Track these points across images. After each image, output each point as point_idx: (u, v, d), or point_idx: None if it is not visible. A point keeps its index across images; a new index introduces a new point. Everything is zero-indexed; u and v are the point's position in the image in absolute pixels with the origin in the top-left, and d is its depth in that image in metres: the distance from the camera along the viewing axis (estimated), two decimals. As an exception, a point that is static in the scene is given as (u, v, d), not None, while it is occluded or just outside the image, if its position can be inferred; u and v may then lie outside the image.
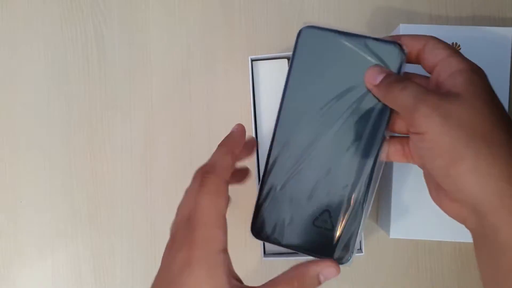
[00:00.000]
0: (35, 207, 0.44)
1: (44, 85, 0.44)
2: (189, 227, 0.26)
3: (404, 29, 0.36)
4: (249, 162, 0.43)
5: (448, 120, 0.24)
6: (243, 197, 0.43)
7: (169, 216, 0.43)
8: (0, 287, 0.44)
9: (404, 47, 0.28)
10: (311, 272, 0.26)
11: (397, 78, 0.27)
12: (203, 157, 0.43)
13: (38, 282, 0.44)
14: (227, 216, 0.27)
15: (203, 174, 0.27)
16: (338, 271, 0.27)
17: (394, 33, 0.39)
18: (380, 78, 0.27)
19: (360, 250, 0.38)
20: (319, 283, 0.27)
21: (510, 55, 0.36)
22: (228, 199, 0.28)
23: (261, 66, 0.39)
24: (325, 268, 0.27)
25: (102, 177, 0.43)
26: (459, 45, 0.36)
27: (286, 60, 0.39)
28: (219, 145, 0.31)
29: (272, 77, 0.39)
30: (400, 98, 0.26)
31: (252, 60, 0.39)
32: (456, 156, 0.23)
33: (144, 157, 0.43)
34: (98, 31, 0.43)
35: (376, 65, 0.28)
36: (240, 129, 0.31)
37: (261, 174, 0.32)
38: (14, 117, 0.44)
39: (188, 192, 0.28)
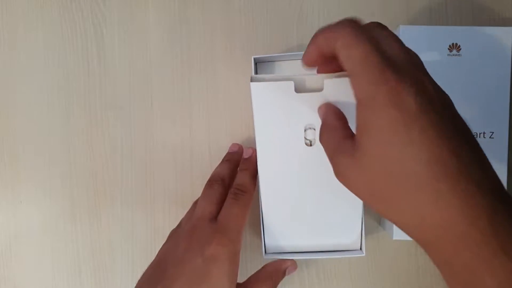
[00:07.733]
0: (35, 206, 0.44)
1: (44, 85, 0.44)
2: (218, 227, 0.32)
3: (403, 30, 0.36)
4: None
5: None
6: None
7: (169, 216, 0.43)
8: (0, 287, 0.44)
9: None
10: (283, 268, 0.35)
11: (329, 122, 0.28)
12: (203, 157, 0.43)
13: (38, 282, 0.44)
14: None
15: (238, 190, 0.34)
16: (296, 268, 0.36)
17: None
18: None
19: (360, 250, 0.38)
20: (284, 276, 0.35)
21: (510, 55, 0.36)
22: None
23: (261, 66, 0.39)
24: (291, 265, 0.36)
25: (102, 177, 0.43)
26: (459, 45, 0.36)
27: (286, 61, 0.39)
28: (243, 168, 0.37)
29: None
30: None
31: (255, 60, 0.39)
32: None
33: (144, 157, 0.43)
34: (98, 31, 0.43)
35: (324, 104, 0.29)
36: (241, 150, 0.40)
37: (261, 182, 0.34)
38: (14, 116, 0.44)
39: (209, 196, 0.34)
